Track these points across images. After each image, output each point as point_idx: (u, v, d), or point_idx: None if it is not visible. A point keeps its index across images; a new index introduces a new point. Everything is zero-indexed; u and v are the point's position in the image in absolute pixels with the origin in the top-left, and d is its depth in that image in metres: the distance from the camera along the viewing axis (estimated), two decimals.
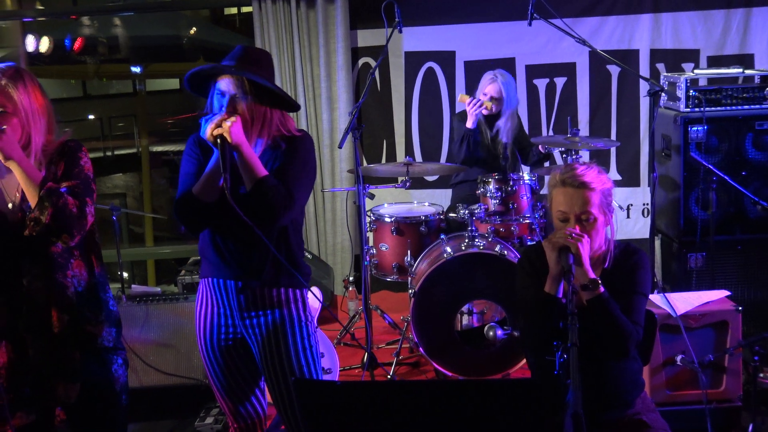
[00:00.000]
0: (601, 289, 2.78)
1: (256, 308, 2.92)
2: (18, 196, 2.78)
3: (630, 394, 2.99)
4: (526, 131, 5.80)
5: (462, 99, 5.39)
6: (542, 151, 5.38)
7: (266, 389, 3.07)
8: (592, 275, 2.78)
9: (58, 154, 2.80)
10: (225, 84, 2.78)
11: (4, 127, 2.65)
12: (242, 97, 2.77)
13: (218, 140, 2.67)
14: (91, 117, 18.34)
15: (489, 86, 5.35)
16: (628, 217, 6.36)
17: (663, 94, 5.12)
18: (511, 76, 5.45)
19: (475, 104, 5.24)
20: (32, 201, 2.68)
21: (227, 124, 2.67)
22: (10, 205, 2.78)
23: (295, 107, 2.96)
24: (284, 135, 2.88)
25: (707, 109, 4.95)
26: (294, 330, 2.93)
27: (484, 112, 5.34)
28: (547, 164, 5.60)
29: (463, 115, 5.38)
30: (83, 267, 2.85)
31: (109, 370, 2.90)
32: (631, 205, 6.36)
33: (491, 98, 5.32)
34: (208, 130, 2.68)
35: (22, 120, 2.73)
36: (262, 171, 2.74)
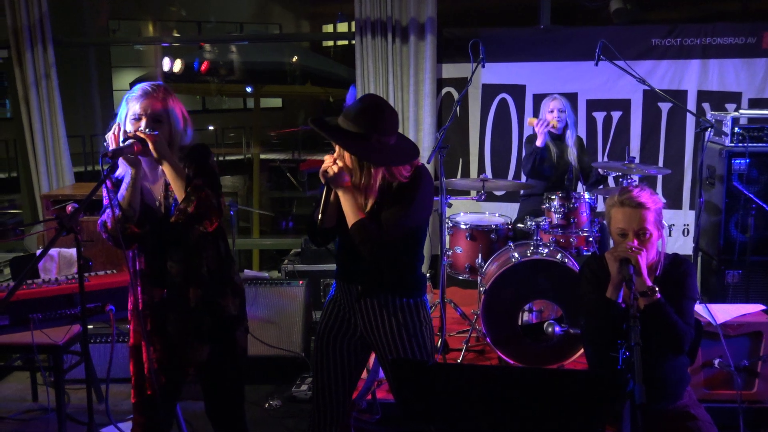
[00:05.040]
0: (658, 295, 2.73)
1: (374, 312, 2.83)
2: (162, 195, 2.86)
3: (679, 386, 2.93)
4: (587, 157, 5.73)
5: (530, 122, 5.34)
6: (601, 173, 5.30)
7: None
8: (649, 283, 2.73)
9: (187, 156, 2.85)
10: None
11: (157, 132, 2.73)
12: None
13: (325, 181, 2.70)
14: (211, 128, 18.84)
15: (551, 103, 5.30)
16: (669, 235, 6.15)
17: (709, 130, 5.01)
18: (565, 98, 5.37)
19: (542, 124, 5.20)
20: (179, 194, 2.74)
21: (329, 172, 2.66)
22: (157, 203, 2.87)
23: (406, 159, 2.73)
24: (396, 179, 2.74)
25: (750, 144, 4.82)
26: (406, 334, 2.82)
27: (552, 129, 5.27)
28: (601, 187, 5.52)
29: (531, 138, 5.34)
30: (213, 249, 2.91)
31: (234, 335, 2.96)
32: (673, 225, 6.16)
33: (558, 111, 5.24)
34: (320, 170, 2.70)
35: (172, 128, 2.81)
36: (357, 216, 2.67)
